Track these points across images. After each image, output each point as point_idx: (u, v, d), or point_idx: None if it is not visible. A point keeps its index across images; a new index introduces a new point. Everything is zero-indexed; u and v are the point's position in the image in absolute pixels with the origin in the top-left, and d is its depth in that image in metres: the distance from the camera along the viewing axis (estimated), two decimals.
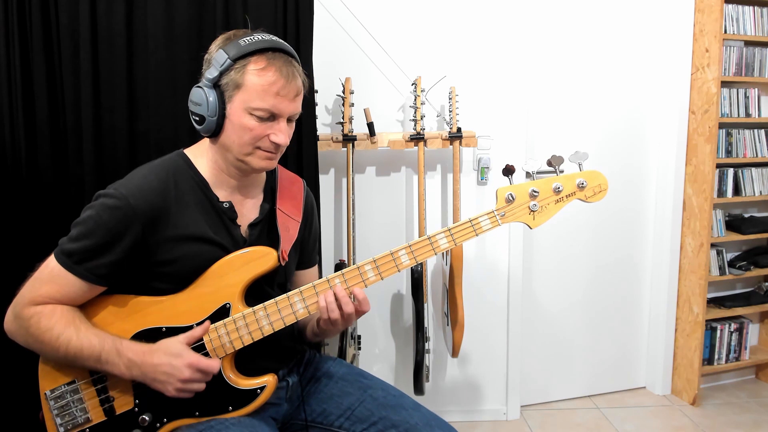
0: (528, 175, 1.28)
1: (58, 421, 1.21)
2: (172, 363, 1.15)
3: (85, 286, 1.18)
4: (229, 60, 1.18)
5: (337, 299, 1.22)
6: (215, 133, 1.23)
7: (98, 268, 1.17)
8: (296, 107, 1.24)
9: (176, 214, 1.22)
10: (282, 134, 1.22)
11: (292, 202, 1.40)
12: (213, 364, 1.17)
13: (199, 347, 1.21)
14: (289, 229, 1.35)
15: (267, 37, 1.22)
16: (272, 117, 1.21)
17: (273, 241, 1.32)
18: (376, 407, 1.33)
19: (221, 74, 1.20)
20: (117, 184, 1.21)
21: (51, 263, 1.18)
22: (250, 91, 1.18)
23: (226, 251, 1.25)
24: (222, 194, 1.29)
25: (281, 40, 1.24)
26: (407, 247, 1.24)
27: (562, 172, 1.27)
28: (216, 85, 1.21)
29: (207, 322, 1.21)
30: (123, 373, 1.16)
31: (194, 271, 1.23)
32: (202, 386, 1.18)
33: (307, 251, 1.48)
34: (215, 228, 1.26)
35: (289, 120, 1.24)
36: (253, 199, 1.35)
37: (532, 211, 1.26)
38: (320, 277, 1.31)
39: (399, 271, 1.24)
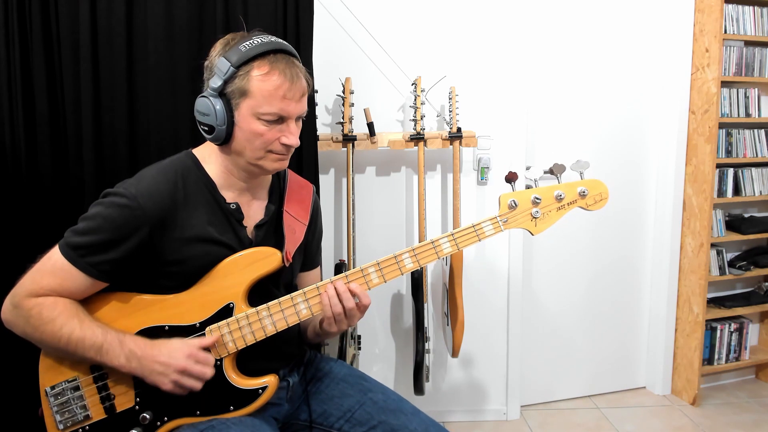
0: (530, 182, 1.29)
1: (58, 417, 1.21)
2: (171, 353, 1.16)
3: (87, 280, 1.18)
4: (231, 67, 1.18)
5: (338, 293, 1.22)
6: (225, 140, 1.23)
7: (102, 264, 1.18)
8: (303, 107, 1.24)
9: (184, 215, 1.22)
10: (293, 136, 1.23)
11: (300, 206, 1.40)
12: (209, 357, 1.19)
13: None
14: (295, 231, 1.36)
15: (266, 39, 1.21)
16: (281, 120, 1.21)
17: (279, 242, 1.32)
18: (376, 411, 1.33)
19: (225, 83, 1.19)
20: (127, 184, 1.21)
21: (54, 255, 1.18)
22: (257, 97, 1.18)
23: (233, 252, 1.25)
24: (229, 195, 1.29)
25: (280, 40, 1.24)
26: (411, 251, 1.25)
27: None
28: (221, 93, 1.20)
29: (217, 333, 1.22)
30: (122, 364, 1.16)
31: (201, 270, 1.23)
32: (198, 384, 1.17)
33: (310, 253, 1.48)
34: (222, 229, 1.26)
35: (297, 119, 1.25)
36: (259, 200, 1.35)
37: (534, 217, 1.27)
38: (321, 278, 1.31)
39: (402, 274, 1.25)
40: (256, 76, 1.18)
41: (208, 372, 1.18)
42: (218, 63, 1.20)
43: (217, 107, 1.19)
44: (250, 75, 1.18)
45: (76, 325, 1.16)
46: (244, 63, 1.18)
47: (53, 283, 1.17)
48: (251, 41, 1.20)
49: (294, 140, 1.23)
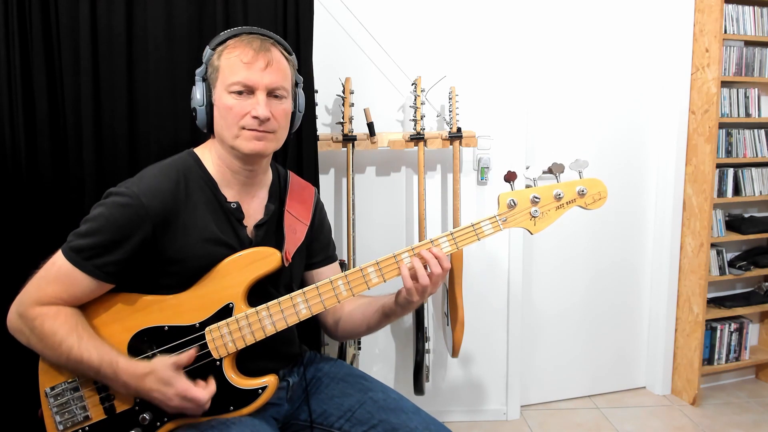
0: (529, 181, 1.29)
1: (58, 418, 1.21)
2: (162, 391, 1.16)
3: (93, 283, 1.18)
4: (209, 50, 1.25)
5: (425, 264, 1.22)
6: (210, 125, 1.27)
7: (107, 265, 1.17)
8: (272, 79, 1.23)
9: (186, 214, 1.22)
10: (260, 106, 1.21)
11: (301, 206, 1.40)
12: (200, 395, 1.16)
13: (201, 347, 1.22)
14: (296, 231, 1.36)
15: (247, 28, 1.28)
16: (250, 91, 1.22)
17: (279, 242, 1.32)
18: (376, 410, 1.33)
19: (206, 66, 1.26)
20: (128, 183, 1.21)
21: (58, 260, 1.18)
22: (224, 70, 1.23)
23: (233, 251, 1.25)
24: (230, 194, 1.29)
25: (263, 29, 1.29)
26: (410, 249, 1.25)
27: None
28: (204, 78, 1.27)
29: (192, 350, 1.20)
30: (120, 390, 1.19)
31: (201, 270, 1.23)
32: (198, 411, 1.18)
33: (318, 249, 1.47)
34: (223, 228, 1.26)
35: (274, 96, 1.24)
36: (259, 199, 1.35)
37: (533, 216, 1.27)
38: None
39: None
40: (225, 53, 1.24)
41: (200, 411, 1.18)
42: (204, 53, 1.27)
43: (198, 90, 1.26)
44: (222, 53, 1.24)
45: (74, 343, 1.15)
46: (220, 44, 1.25)
47: (59, 290, 1.17)
48: (232, 29, 1.27)
49: (262, 111, 1.20)
